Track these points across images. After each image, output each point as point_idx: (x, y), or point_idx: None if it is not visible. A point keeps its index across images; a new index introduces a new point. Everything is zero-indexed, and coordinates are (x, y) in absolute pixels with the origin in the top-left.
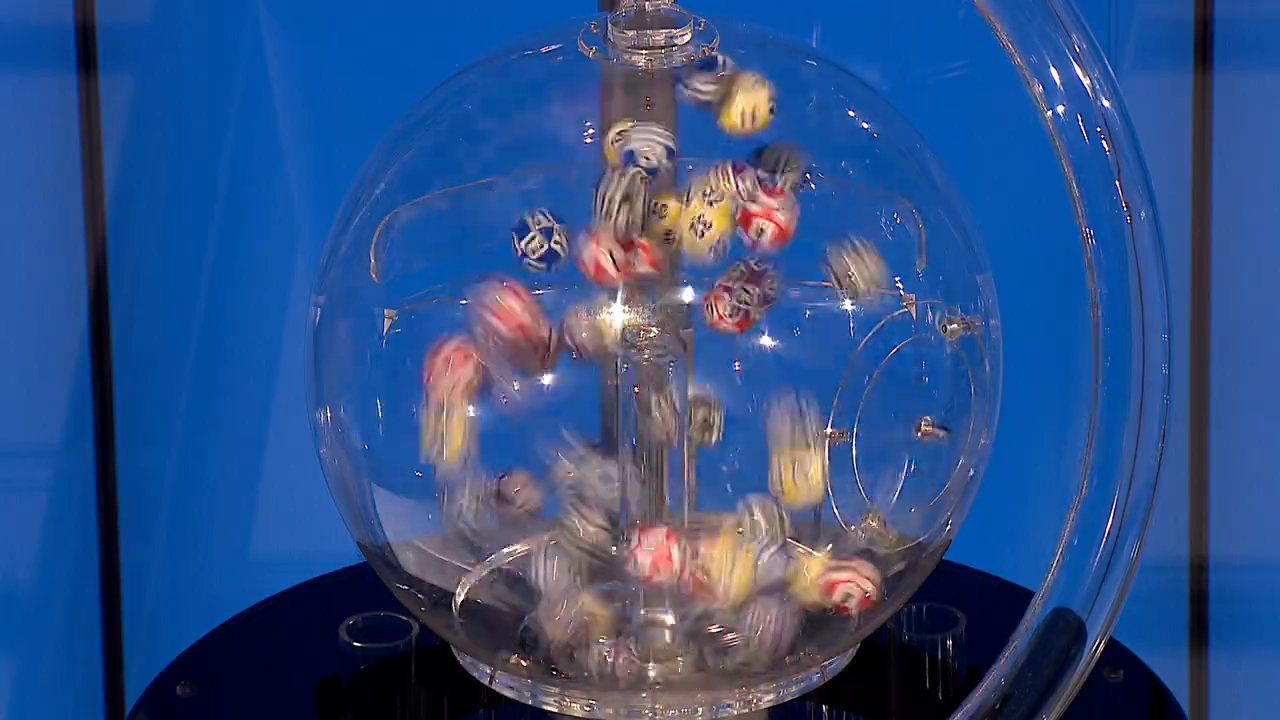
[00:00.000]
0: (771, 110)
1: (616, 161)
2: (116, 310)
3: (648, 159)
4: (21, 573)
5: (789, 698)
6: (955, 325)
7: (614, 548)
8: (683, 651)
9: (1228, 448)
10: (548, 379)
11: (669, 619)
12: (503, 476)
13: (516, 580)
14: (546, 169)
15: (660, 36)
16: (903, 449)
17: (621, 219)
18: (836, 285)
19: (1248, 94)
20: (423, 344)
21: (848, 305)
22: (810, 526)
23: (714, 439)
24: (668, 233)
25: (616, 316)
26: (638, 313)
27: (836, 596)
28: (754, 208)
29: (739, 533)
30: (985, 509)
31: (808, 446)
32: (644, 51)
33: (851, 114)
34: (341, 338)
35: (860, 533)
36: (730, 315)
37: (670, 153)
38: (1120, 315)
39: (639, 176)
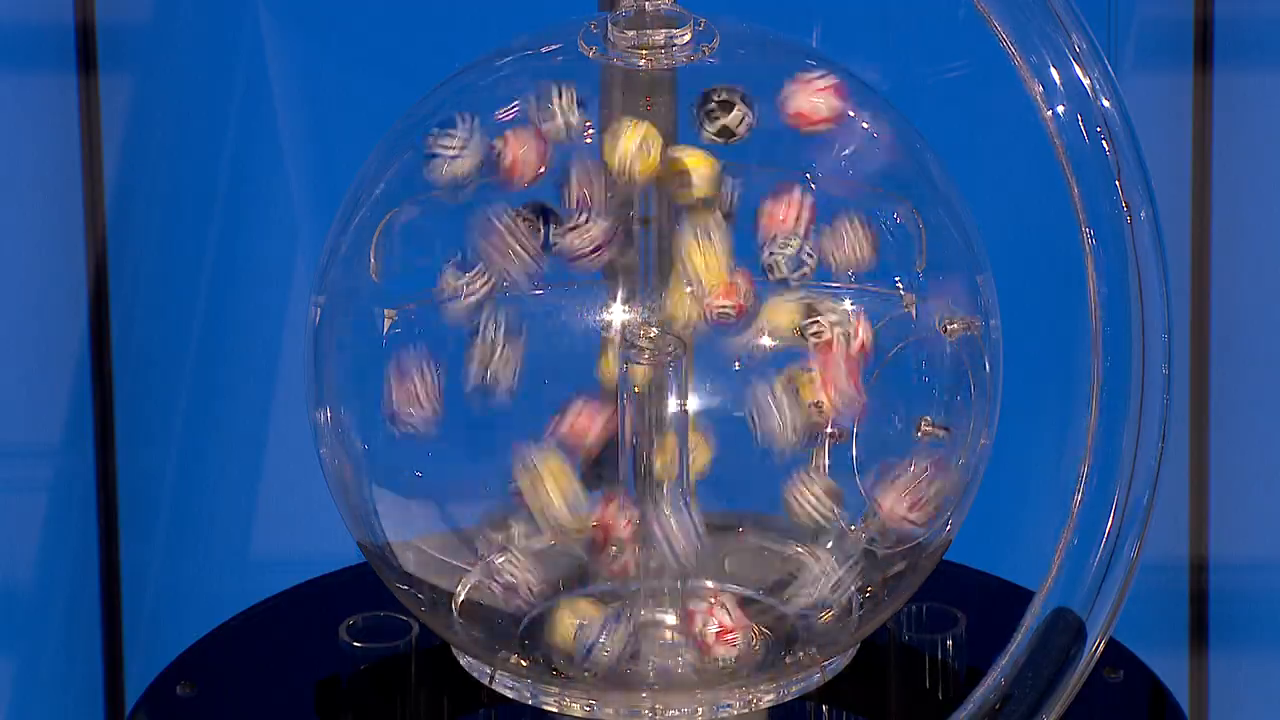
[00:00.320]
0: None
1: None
2: (116, 310)
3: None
4: (21, 573)
5: (789, 698)
6: (955, 325)
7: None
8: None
9: (1228, 448)
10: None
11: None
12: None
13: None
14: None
15: (660, 36)
16: (903, 449)
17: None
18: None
19: (1248, 94)
20: (423, 344)
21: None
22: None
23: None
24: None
25: (616, 316)
26: (637, 312)
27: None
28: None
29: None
30: (985, 509)
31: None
32: (644, 51)
33: (851, 114)
34: (341, 338)
35: (860, 533)
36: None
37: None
38: (1120, 315)
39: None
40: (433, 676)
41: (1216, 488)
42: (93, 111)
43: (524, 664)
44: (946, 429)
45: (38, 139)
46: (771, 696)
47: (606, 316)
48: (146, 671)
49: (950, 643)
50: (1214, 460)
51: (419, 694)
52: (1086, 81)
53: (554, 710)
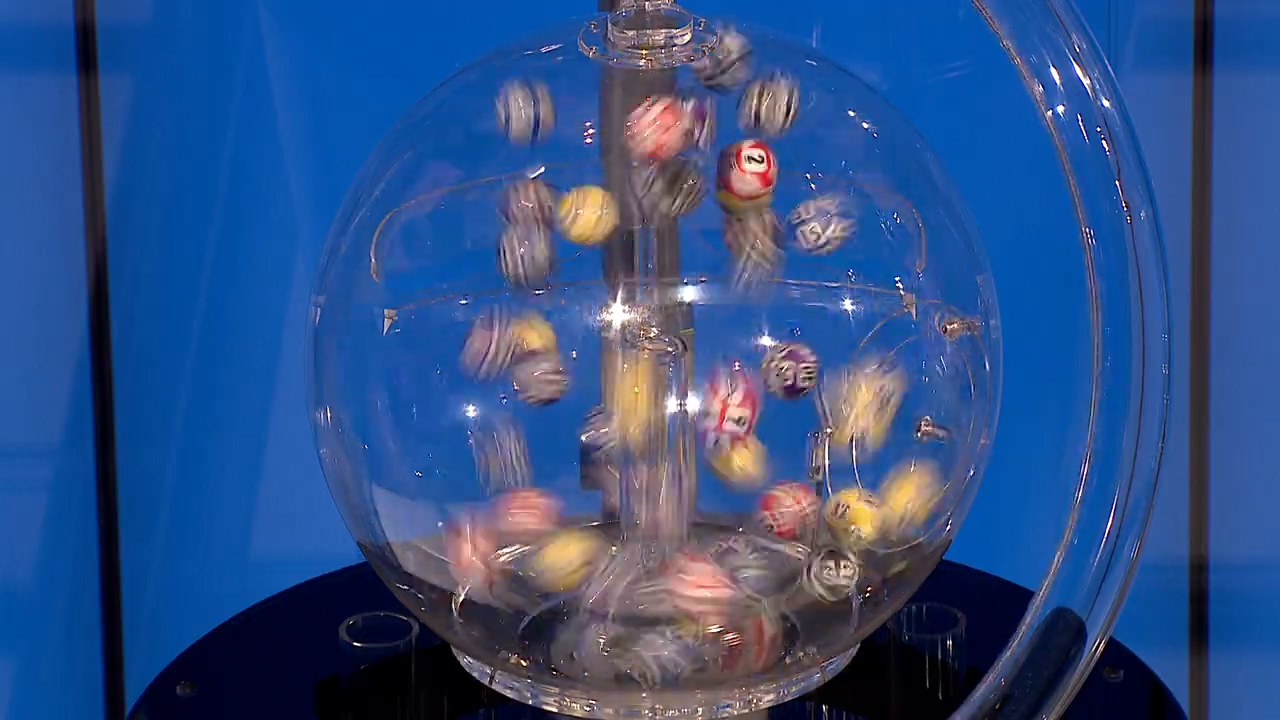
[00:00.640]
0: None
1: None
2: (116, 310)
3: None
4: (21, 573)
5: (789, 698)
6: (955, 325)
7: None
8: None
9: (1228, 448)
10: None
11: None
12: None
13: (516, 580)
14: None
15: (660, 36)
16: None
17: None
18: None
19: (1248, 94)
20: (423, 344)
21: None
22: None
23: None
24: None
25: (616, 315)
26: (638, 312)
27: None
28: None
29: None
30: (985, 509)
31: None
32: (644, 51)
33: (851, 114)
34: (341, 338)
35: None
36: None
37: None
38: (1120, 315)
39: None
40: (433, 676)
41: (1216, 488)
42: (93, 111)
43: (524, 664)
44: (946, 429)
45: (38, 139)
46: (771, 696)
47: (606, 316)
48: (146, 671)
49: (950, 643)
50: (1214, 460)
51: (419, 694)
52: (1086, 81)
53: (554, 710)
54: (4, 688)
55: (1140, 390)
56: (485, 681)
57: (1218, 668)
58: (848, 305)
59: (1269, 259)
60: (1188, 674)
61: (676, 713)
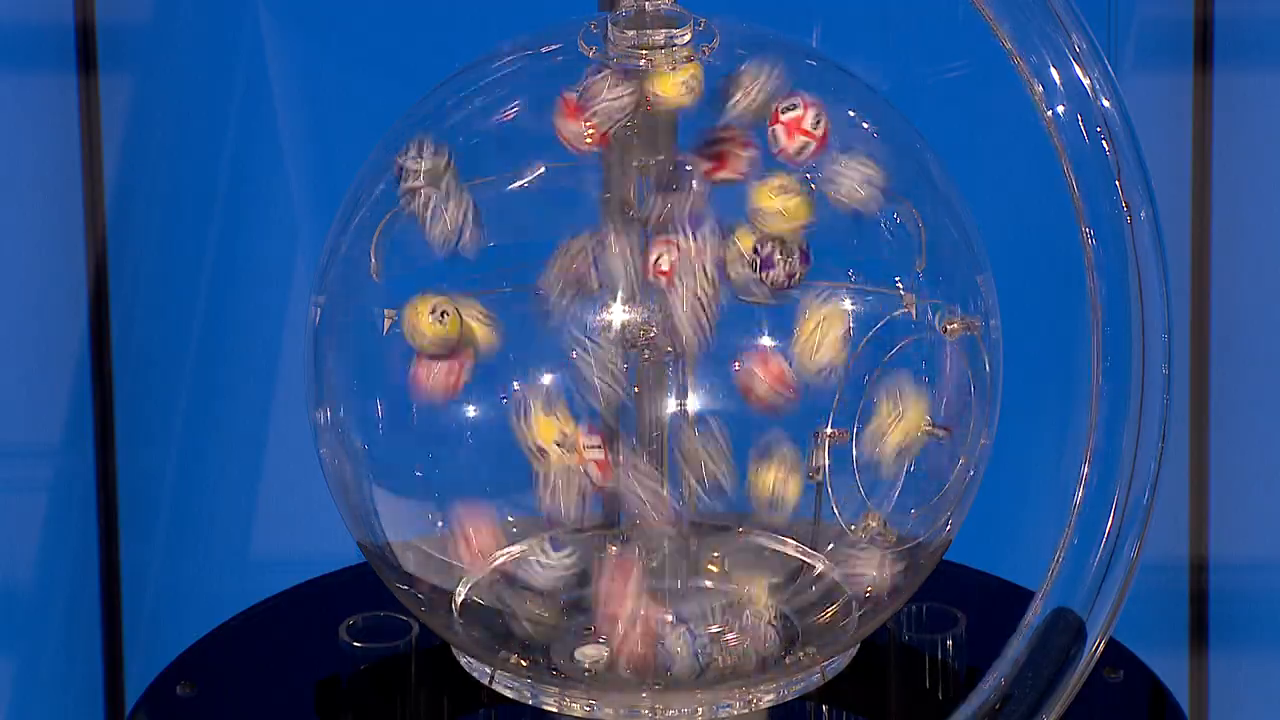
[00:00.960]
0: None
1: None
2: (116, 310)
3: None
4: (21, 573)
5: (789, 698)
6: (955, 325)
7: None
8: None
9: (1228, 448)
10: None
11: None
12: None
13: (516, 580)
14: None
15: (660, 36)
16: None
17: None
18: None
19: (1248, 94)
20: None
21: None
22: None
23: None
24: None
25: (616, 316)
26: (638, 313)
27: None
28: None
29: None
30: (985, 509)
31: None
32: (644, 51)
33: (851, 114)
34: (341, 338)
35: (860, 532)
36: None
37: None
38: (1120, 315)
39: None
40: (433, 676)
41: (1216, 488)
42: (93, 111)
43: (524, 664)
44: (947, 429)
45: (38, 139)
46: (771, 696)
47: (606, 316)
48: (146, 671)
49: (950, 643)
50: (1214, 460)
51: (419, 694)
52: (1086, 81)
53: (554, 710)
54: (4, 688)
55: (1140, 390)
56: (485, 681)
57: (1218, 668)
58: (848, 305)
59: (1269, 259)
60: (1188, 674)
61: (676, 713)
